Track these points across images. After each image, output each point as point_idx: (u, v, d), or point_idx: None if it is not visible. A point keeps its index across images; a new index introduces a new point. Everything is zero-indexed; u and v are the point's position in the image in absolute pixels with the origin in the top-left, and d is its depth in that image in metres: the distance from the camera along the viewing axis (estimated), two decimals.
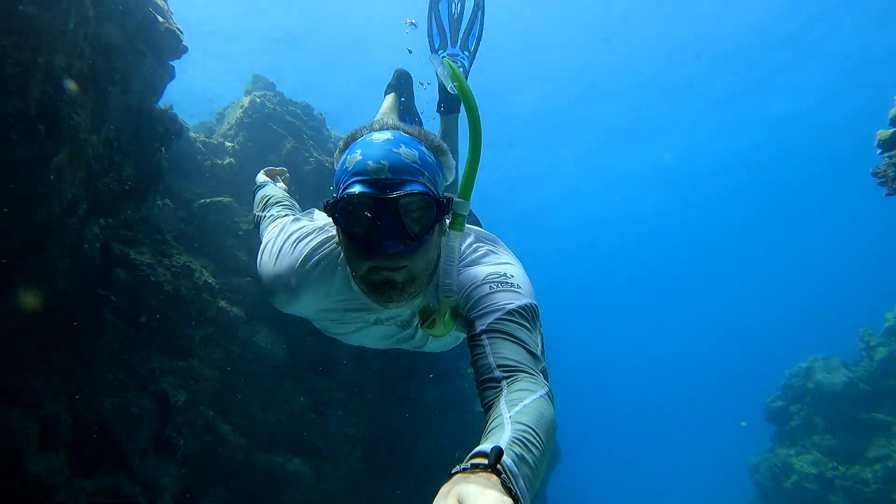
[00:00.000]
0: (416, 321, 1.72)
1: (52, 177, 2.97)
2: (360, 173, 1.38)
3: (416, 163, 1.42)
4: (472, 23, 3.13)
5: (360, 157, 1.40)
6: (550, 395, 1.24)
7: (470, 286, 1.51)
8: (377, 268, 1.40)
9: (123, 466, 5.61)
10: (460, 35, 3.14)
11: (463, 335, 1.72)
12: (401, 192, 1.35)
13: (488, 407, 1.22)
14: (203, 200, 7.29)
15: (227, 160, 7.70)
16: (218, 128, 8.48)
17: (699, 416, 45.93)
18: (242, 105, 8.00)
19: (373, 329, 1.82)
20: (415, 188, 1.37)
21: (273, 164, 7.89)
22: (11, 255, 3.14)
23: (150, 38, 4.10)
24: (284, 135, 7.97)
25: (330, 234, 1.75)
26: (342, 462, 7.47)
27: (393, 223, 1.36)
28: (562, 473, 15.34)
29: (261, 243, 1.90)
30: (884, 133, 6.11)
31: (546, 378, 1.32)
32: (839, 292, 42.64)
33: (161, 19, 4.10)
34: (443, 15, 3.20)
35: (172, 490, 5.91)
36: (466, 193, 1.58)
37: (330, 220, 1.67)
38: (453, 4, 3.22)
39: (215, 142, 7.70)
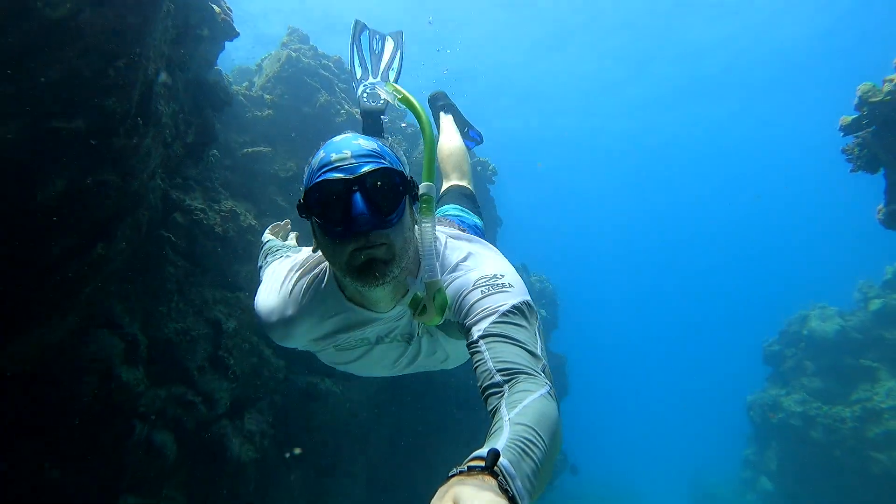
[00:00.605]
0: (415, 326, 1.76)
1: (143, 155, 3.74)
2: (326, 165, 1.46)
3: (375, 150, 1.51)
4: (391, 60, 3.35)
5: (324, 154, 1.49)
6: (552, 394, 1.25)
7: (461, 294, 1.54)
8: (358, 249, 1.44)
9: (186, 380, 6.69)
10: (381, 68, 3.33)
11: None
12: (367, 170, 1.43)
13: (491, 413, 1.22)
14: (246, 150, 8.06)
15: (266, 112, 8.40)
16: (257, 78, 9.12)
17: (703, 358, 47.12)
18: (279, 59, 8.60)
19: (377, 351, 1.85)
20: (378, 164, 1.46)
21: (307, 115, 8.61)
22: (113, 216, 3.98)
23: (210, 26, 4.74)
24: (318, 88, 8.59)
25: (310, 262, 1.82)
26: (368, 385, 8.55)
27: (365, 201, 1.41)
28: (567, 410, 16.60)
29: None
30: (845, 119, 6.68)
31: (548, 376, 1.32)
32: (844, 246, 42.31)
33: (218, 10, 4.72)
34: (364, 49, 3.41)
35: (226, 401, 7.01)
36: (430, 177, 1.67)
37: (309, 251, 1.84)
38: (374, 41, 3.45)
39: (255, 94, 8.37)
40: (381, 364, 1.94)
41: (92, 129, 3.32)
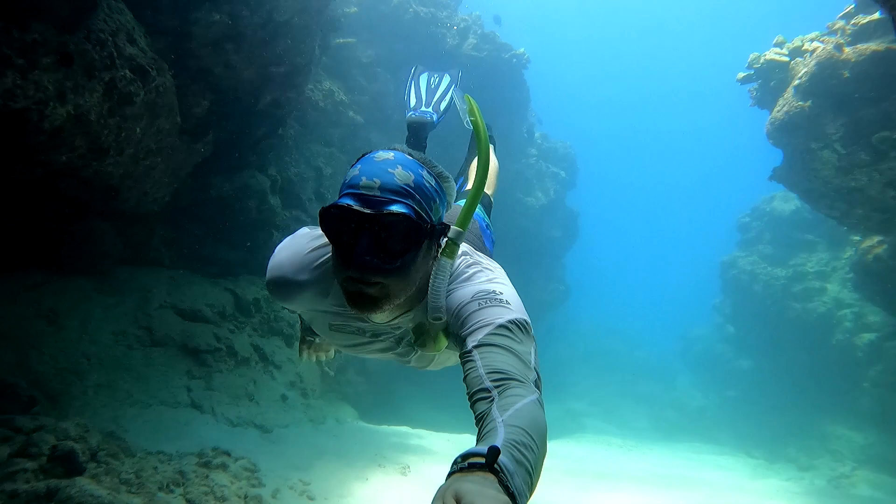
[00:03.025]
0: (410, 338, 1.71)
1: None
2: (353, 187, 1.42)
3: (408, 185, 1.44)
4: (444, 93, 3.56)
5: (357, 172, 1.45)
6: (541, 402, 1.24)
7: (459, 305, 1.51)
8: (352, 279, 1.42)
9: (301, 207, 10.25)
10: (433, 100, 3.52)
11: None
12: (383, 211, 1.37)
13: (480, 418, 1.20)
14: (338, 40, 10.84)
15: (353, 9, 11.01)
16: None
17: (694, 222, 50.18)
18: None
19: (374, 344, 1.83)
20: (399, 209, 1.39)
21: (384, 13, 11.21)
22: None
23: None
24: None
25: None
26: None
27: (372, 240, 1.39)
28: (578, 250, 20.17)
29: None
30: (740, 75, 9.29)
31: (538, 387, 1.31)
32: None
33: None
34: (421, 83, 3.66)
35: None
36: (464, 224, 1.59)
37: None
38: (433, 77, 3.70)
39: None
40: (375, 354, 1.94)
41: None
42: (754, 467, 12.70)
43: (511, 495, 0.90)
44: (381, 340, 1.81)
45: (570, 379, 19.76)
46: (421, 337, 1.59)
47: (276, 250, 1.80)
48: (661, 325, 28.86)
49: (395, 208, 1.39)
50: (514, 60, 12.81)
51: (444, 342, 1.57)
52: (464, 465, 0.93)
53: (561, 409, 17.60)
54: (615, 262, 44.24)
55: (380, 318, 1.64)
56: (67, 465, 3.71)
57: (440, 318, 1.55)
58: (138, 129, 5.22)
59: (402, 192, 1.43)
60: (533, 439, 1.09)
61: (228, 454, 5.13)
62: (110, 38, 4.46)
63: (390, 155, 1.50)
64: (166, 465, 4.64)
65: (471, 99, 1.87)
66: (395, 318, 1.66)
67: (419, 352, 1.76)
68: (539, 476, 1.10)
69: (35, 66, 3.83)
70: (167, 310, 7.44)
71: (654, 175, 56.19)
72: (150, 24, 5.36)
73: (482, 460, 0.92)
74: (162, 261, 8.04)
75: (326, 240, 1.58)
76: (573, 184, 18.18)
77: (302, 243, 1.76)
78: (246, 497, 4.30)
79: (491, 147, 3.19)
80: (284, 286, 1.74)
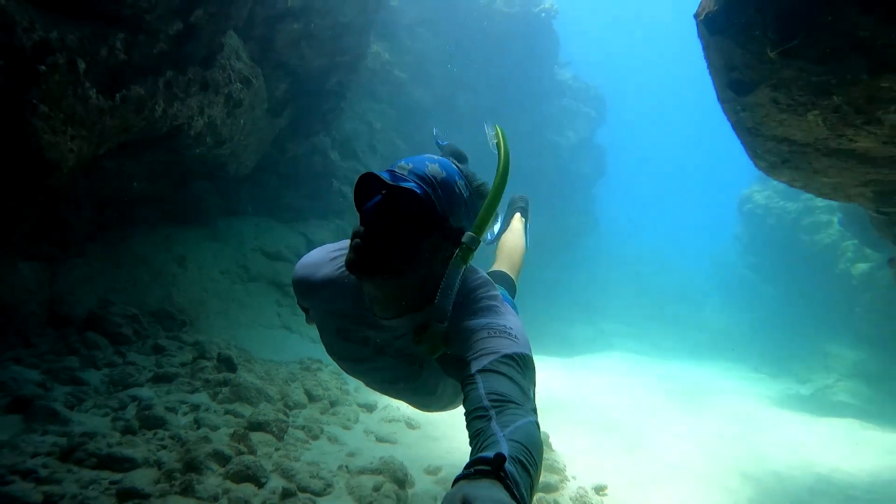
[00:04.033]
0: (416, 350, 1.67)
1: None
2: (393, 165, 1.55)
3: (435, 178, 1.53)
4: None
5: (403, 157, 1.58)
6: (538, 425, 1.25)
7: (468, 332, 1.53)
8: (358, 234, 1.50)
9: (355, 158, 11.86)
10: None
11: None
12: (398, 184, 1.46)
13: (476, 434, 1.20)
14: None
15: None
16: None
17: (710, 159, 49.66)
18: None
19: (377, 362, 1.83)
20: (411, 186, 1.47)
21: None
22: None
23: None
24: None
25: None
26: None
27: (384, 207, 1.48)
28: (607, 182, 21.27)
29: None
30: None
31: (536, 415, 1.30)
32: None
33: None
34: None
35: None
36: (479, 230, 1.59)
37: None
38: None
39: None
40: (378, 377, 1.94)
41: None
42: (756, 380, 14.40)
43: (517, 501, 0.92)
44: (385, 356, 1.80)
45: (602, 301, 21.26)
46: (422, 335, 1.56)
47: (302, 257, 1.96)
48: (690, 251, 30.08)
49: (408, 185, 1.47)
50: (543, 14, 13.73)
51: (440, 347, 1.55)
52: (470, 472, 0.94)
53: (593, 329, 19.33)
54: (643, 194, 44.73)
55: (379, 300, 1.67)
56: (228, 364, 5.67)
57: (443, 323, 1.53)
58: (242, 121, 6.89)
59: (425, 180, 1.51)
60: (532, 457, 1.10)
61: (321, 361, 7.06)
62: (227, 62, 6.07)
63: (436, 156, 1.63)
64: (280, 368, 6.60)
65: (499, 128, 1.90)
66: (399, 315, 1.66)
67: (421, 375, 1.80)
68: (534, 495, 1.11)
69: (188, 95, 5.49)
70: (257, 252, 9.36)
71: (680, 112, 55.19)
72: (245, 35, 6.88)
73: (488, 467, 0.94)
74: (247, 210, 9.88)
75: (342, 246, 1.81)
76: (602, 121, 19.11)
77: (325, 251, 1.90)
78: (340, 388, 6.22)
79: (524, 221, 3.43)
80: (306, 281, 1.87)
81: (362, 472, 4.20)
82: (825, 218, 14.72)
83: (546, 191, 15.15)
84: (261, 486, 3.64)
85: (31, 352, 5.27)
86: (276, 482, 3.77)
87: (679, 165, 52.38)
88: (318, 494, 3.79)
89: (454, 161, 1.68)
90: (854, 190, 3.63)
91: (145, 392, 4.82)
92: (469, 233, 1.58)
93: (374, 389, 2.05)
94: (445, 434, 5.48)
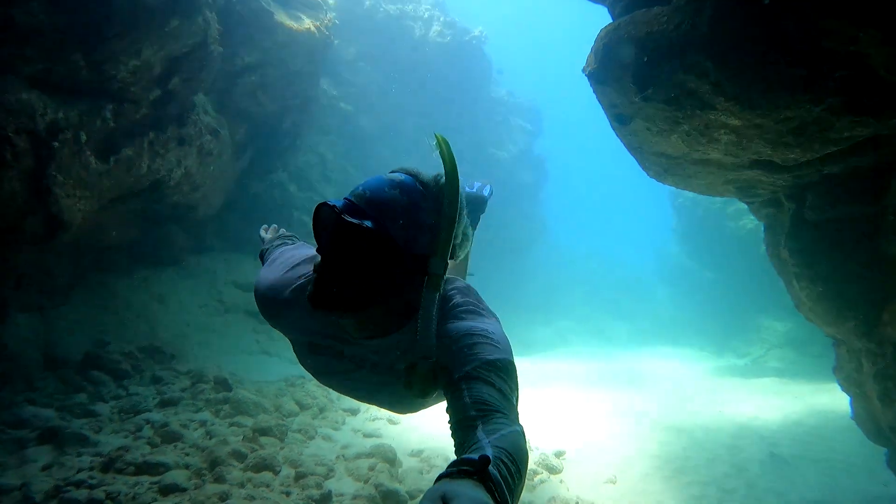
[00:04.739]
0: (397, 374, 1.61)
1: None
2: (351, 193, 1.47)
3: (398, 209, 1.45)
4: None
5: (362, 181, 1.51)
6: (524, 434, 1.24)
7: (450, 338, 1.49)
8: (317, 270, 1.46)
9: (311, 189, 12.57)
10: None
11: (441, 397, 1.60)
12: (350, 221, 1.38)
13: (461, 442, 1.22)
14: None
15: (350, 50, 12.94)
16: None
17: None
18: None
19: (356, 373, 1.76)
20: (368, 224, 1.40)
21: (358, 14, 13.12)
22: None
23: None
24: None
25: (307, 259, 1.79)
26: None
27: (340, 242, 1.44)
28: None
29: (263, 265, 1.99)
30: None
31: (519, 423, 1.28)
32: None
33: None
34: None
35: None
36: (441, 253, 1.52)
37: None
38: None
39: None
40: (355, 389, 1.88)
41: None
42: (700, 358, 15.72)
43: (498, 503, 0.92)
44: (362, 370, 1.74)
45: (559, 301, 22.41)
46: (412, 376, 1.49)
47: (259, 277, 1.90)
48: (635, 246, 31.85)
49: (363, 222, 1.39)
50: (474, 41, 14.86)
51: (431, 385, 1.47)
52: (453, 470, 0.94)
53: (551, 328, 20.44)
54: (587, 197, 46.76)
55: (349, 325, 1.60)
56: (225, 385, 6.34)
57: (429, 358, 1.47)
58: (212, 168, 7.60)
59: (384, 211, 1.43)
60: (517, 465, 1.10)
61: (304, 377, 7.76)
62: (198, 117, 6.80)
63: (400, 176, 1.52)
64: (269, 386, 7.27)
65: (438, 135, 1.76)
66: (374, 336, 1.61)
67: (397, 385, 1.65)
68: (518, 501, 1.10)
69: (167, 150, 6.21)
70: (230, 285, 9.98)
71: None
72: (207, 89, 7.60)
73: (471, 468, 0.94)
74: (213, 247, 10.49)
75: (308, 260, 1.75)
76: (540, 133, 20.40)
77: (281, 268, 1.84)
78: (326, 397, 6.95)
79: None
80: (272, 303, 1.80)
81: (358, 457, 4.99)
82: (745, 206, 16.28)
83: (493, 202, 16.14)
84: (276, 473, 4.39)
85: (38, 394, 5.82)
86: (288, 470, 4.53)
87: (617, 167, 54.96)
88: (324, 477, 4.54)
89: (420, 175, 1.56)
90: (721, 187, 4.68)
91: (156, 415, 5.47)
92: (432, 259, 1.51)
93: (356, 399, 2.03)
94: (423, 424, 6.27)
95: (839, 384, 5.16)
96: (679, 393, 9.32)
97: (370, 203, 1.44)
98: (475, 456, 0.97)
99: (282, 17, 7.93)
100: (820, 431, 6.93)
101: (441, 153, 1.61)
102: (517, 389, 1.45)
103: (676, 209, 19.95)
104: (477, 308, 1.62)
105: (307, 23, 8.35)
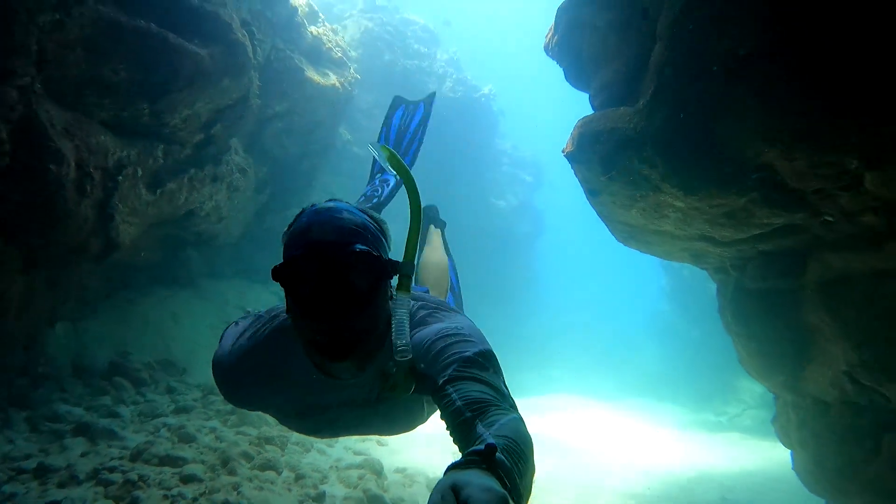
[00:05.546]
0: (376, 388, 1.62)
1: None
2: (305, 236, 1.41)
3: (358, 226, 1.44)
4: (415, 134, 3.62)
5: (305, 224, 1.44)
6: (522, 420, 1.25)
7: (423, 346, 1.50)
8: (322, 330, 1.38)
9: None
10: (404, 143, 3.59)
11: (433, 408, 1.65)
12: (347, 251, 1.37)
13: (464, 445, 1.22)
14: None
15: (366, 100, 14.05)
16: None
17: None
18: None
19: (342, 418, 1.73)
20: (358, 247, 1.39)
21: (377, 66, 14.22)
22: None
23: None
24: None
25: (279, 312, 1.70)
26: None
27: (337, 283, 1.36)
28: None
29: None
30: None
31: (516, 409, 1.32)
32: None
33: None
34: (394, 124, 3.75)
35: None
36: (410, 255, 1.56)
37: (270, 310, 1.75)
38: (406, 116, 3.75)
39: None
40: (348, 429, 1.86)
41: None
42: (677, 412, 16.28)
43: (507, 489, 0.92)
44: (350, 408, 1.70)
45: (550, 348, 23.02)
46: (389, 381, 1.49)
47: (221, 367, 1.73)
48: (628, 300, 32.57)
49: (356, 247, 1.38)
50: (483, 99, 16.01)
51: (412, 383, 1.47)
52: (461, 461, 0.95)
53: (539, 374, 20.96)
54: (581, 251, 47.58)
55: (348, 371, 1.51)
56: None
57: (406, 356, 1.45)
58: (237, 201, 8.45)
59: (355, 234, 1.42)
60: (522, 449, 1.11)
61: None
62: (230, 158, 7.68)
63: (331, 205, 1.50)
64: None
65: (386, 147, 1.89)
66: (363, 369, 1.53)
67: (386, 405, 1.68)
68: (529, 488, 1.11)
69: (203, 185, 7.06)
70: (237, 309, 10.69)
71: None
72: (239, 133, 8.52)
73: (479, 457, 0.95)
74: (226, 273, 11.26)
75: (264, 320, 1.69)
76: (539, 185, 21.42)
77: (237, 332, 1.73)
78: None
79: (440, 233, 3.45)
80: (252, 384, 1.68)
81: (349, 468, 5.65)
82: None
83: (489, 249, 17.10)
84: (279, 473, 5.06)
85: (68, 394, 6.51)
86: (288, 473, 5.20)
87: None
88: (320, 481, 5.21)
89: (340, 200, 1.60)
90: (678, 254, 5.49)
91: (171, 420, 6.14)
92: (402, 261, 1.55)
93: (347, 436, 2.01)
94: (408, 447, 6.93)
95: (776, 433, 5.84)
96: (648, 438, 9.95)
97: (340, 233, 1.42)
98: (481, 447, 0.98)
99: (311, 74, 8.93)
100: (771, 484, 7.55)
101: (395, 167, 1.82)
102: (502, 374, 1.47)
103: (665, 268, 20.79)
104: (439, 310, 1.67)
105: (333, 79, 9.36)
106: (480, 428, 1.18)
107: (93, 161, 4.79)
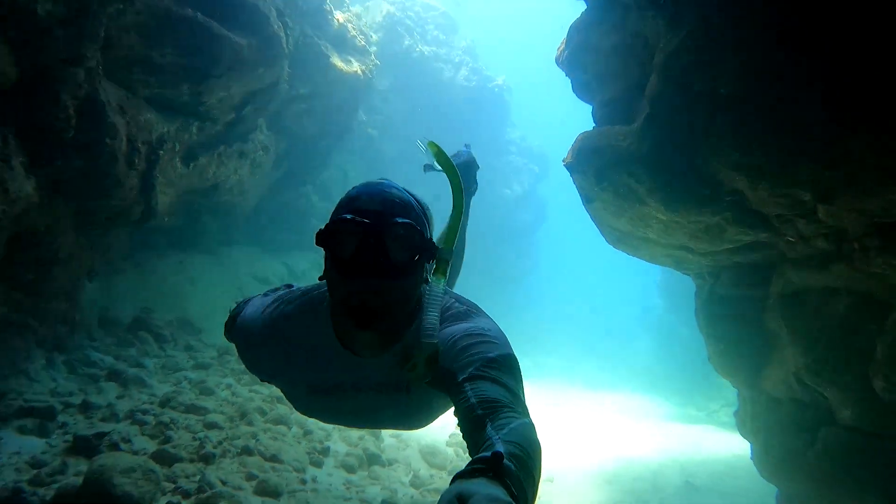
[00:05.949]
0: (392, 378, 1.64)
1: None
2: (354, 202, 1.44)
3: (405, 202, 1.49)
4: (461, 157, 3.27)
5: (354, 193, 1.48)
6: (533, 426, 1.25)
7: (450, 341, 1.52)
8: (355, 292, 1.41)
9: (330, 199, 13.99)
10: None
11: (448, 405, 1.64)
12: (388, 221, 1.40)
13: (472, 442, 1.24)
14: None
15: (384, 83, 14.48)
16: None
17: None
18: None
19: (357, 399, 1.72)
20: (401, 220, 1.42)
21: (396, 51, 14.64)
22: None
23: None
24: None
25: (312, 288, 1.74)
26: None
27: (377, 250, 1.40)
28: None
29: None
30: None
31: (528, 416, 1.32)
32: None
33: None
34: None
35: None
36: (450, 243, 1.64)
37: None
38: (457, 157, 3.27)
39: None
40: (358, 417, 1.90)
41: None
42: (662, 405, 16.98)
43: (515, 497, 0.92)
44: (364, 392, 1.70)
45: (542, 336, 23.66)
46: (410, 362, 1.51)
47: (242, 315, 1.80)
48: (623, 294, 33.19)
49: (401, 220, 1.41)
50: (497, 89, 16.42)
51: (430, 371, 1.50)
52: (467, 469, 0.95)
53: (531, 361, 21.63)
54: (580, 242, 48.12)
55: (372, 343, 1.55)
56: None
57: (433, 337, 1.49)
58: (258, 175, 8.99)
59: (401, 207, 1.45)
60: (530, 456, 1.11)
61: None
62: (255, 136, 8.21)
63: (382, 181, 1.54)
64: None
65: (433, 143, 1.94)
66: (385, 349, 1.57)
67: (411, 397, 1.67)
68: (536, 493, 1.11)
69: (230, 160, 7.60)
70: (249, 276, 11.31)
71: None
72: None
73: (485, 465, 0.95)
74: (240, 241, 11.85)
75: (297, 294, 1.72)
76: (545, 176, 21.88)
77: (254, 311, 1.76)
78: None
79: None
80: (280, 350, 1.70)
81: (349, 429, 6.27)
82: None
83: (492, 236, 17.67)
84: (289, 427, 5.69)
85: (97, 343, 7.12)
86: (297, 429, 5.82)
87: None
88: (324, 439, 5.84)
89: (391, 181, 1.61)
90: (662, 259, 6.05)
91: (192, 374, 6.77)
92: (442, 247, 1.60)
93: (357, 428, 2.06)
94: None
95: (737, 425, 6.46)
96: (629, 428, 10.62)
97: (386, 205, 1.44)
98: (488, 454, 0.98)
99: (336, 60, 9.41)
100: (733, 471, 8.21)
101: (441, 163, 1.89)
102: (521, 381, 1.47)
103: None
104: (471, 311, 1.67)
105: (355, 66, 9.84)
106: (490, 430, 1.20)
107: (140, 136, 5.33)
